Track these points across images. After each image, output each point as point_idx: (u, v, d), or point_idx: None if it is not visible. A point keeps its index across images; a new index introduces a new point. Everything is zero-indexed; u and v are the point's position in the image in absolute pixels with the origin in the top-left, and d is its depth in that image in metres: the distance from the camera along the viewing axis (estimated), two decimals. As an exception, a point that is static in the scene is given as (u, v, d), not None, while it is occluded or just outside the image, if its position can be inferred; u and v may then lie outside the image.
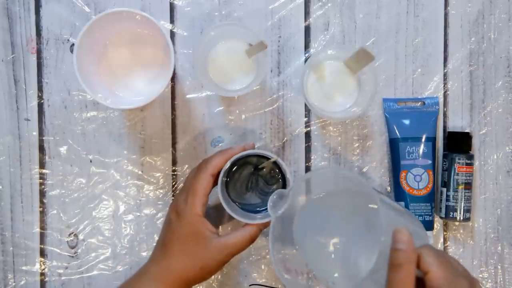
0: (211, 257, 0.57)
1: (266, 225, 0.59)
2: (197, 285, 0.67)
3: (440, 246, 0.68)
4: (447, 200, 0.66)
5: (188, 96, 0.68)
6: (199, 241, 0.57)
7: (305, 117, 0.68)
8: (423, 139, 0.67)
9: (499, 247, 0.69)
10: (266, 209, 0.61)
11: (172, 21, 0.68)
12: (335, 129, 0.69)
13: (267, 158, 0.60)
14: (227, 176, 0.62)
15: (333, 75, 0.65)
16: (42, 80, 0.68)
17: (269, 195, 0.57)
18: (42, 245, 0.67)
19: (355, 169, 0.68)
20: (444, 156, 0.67)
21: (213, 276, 0.67)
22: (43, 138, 0.68)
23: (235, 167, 0.62)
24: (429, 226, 0.66)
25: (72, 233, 0.68)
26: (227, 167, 0.59)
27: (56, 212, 0.68)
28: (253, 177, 0.63)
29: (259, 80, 0.62)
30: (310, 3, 0.68)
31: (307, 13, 0.68)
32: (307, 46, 0.68)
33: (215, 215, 0.68)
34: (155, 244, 0.68)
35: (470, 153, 0.67)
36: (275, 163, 0.61)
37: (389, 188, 0.68)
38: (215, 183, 0.59)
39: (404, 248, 0.43)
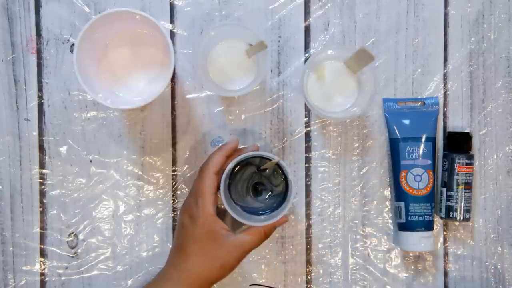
0: (228, 254, 0.57)
1: (278, 223, 0.59)
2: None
3: (440, 246, 0.68)
4: (447, 200, 0.66)
5: (188, 96, 0.68)
6: (216, 240, 0.57)
7: (305, 117, 0.68)
8: (423, 139, 0.67)
9: (499, 247, 0.69)
10: (270, 211, 0.61)
11: (172, 21, 0.68)
12: (335, 129, 0.69)
13: (269, 160, 0.60)
14: (229, 179, 0.62)
15: (333, 75, 0.65)
16: (42, 80, 0.68)
17: (272, 197, 0.56)
18: (42, 245, 0.67)
19: (355, 169, 0.68)
20: (444, 156, 0.67)
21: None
22: (43, 138, 0.68)
23: (237, 169, 0.62)
24: (429, 226, 0.66)
25: (72, 233, 0.68)
26: (230, 169, 0.59)
27: (56, 212, 0.68)
28: (256, 178, 0.63)
29: (259, 80, 0.62)
30: (310, 3, 0.68)
31: (307, 13, 0.68)
32: (307, 46, 0.68)
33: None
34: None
35: (470, 153, 0.67)
36: (277, 164, 0.61)
37: (389, 188, 0.68)
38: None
39: None
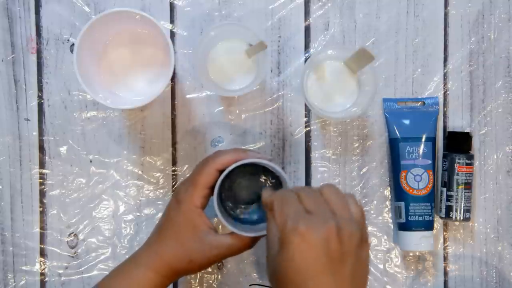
0: (201, 251, 0.55)
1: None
2: (196, 284, 0.67)
3: (440, 246, 0.68)
4: (447, 200, 0.66)
5: (188, 96, 0.68)
6: (193, 233, 0.56)
7: (305, 117, 0.68)
8: (423, 139, 0.67)
9: (499, 247, 0.69)
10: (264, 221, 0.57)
11: (172, 21, 0.68)
12: (335, 129, 0.69)
13: (269, 171, 0.58)
14: (229, 184, 0.60)
15: (333, 75, 0.65)
16: (42, 80, 0.68)
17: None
18: (42, 245, 0.67)
19: (355, 169, 0.68)
20: (444, 156, 0.67)
21: (213, 277, 0.67)
22: (43, 138, 0.68)
23: (236, 176, 0.60)
24: (429, 226, 0.66)
25: (72, 233, 0.68)
26: (223, 176, 0.56)
27: (56, 212, 0.68)
28: (252, 186, 0.61)
29: (259, 80, 0.62)
30: (310, 3, 0.68)
31: (307, 13, 0.68)
32: (307, 46, 0.68)
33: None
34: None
35: (470, 153, 0.67)
36: (270, 171, 0.59)
37: (389, 188, 0.69)
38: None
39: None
